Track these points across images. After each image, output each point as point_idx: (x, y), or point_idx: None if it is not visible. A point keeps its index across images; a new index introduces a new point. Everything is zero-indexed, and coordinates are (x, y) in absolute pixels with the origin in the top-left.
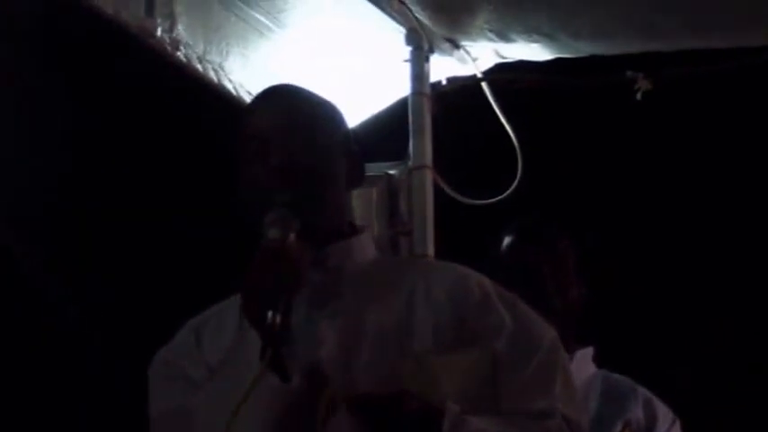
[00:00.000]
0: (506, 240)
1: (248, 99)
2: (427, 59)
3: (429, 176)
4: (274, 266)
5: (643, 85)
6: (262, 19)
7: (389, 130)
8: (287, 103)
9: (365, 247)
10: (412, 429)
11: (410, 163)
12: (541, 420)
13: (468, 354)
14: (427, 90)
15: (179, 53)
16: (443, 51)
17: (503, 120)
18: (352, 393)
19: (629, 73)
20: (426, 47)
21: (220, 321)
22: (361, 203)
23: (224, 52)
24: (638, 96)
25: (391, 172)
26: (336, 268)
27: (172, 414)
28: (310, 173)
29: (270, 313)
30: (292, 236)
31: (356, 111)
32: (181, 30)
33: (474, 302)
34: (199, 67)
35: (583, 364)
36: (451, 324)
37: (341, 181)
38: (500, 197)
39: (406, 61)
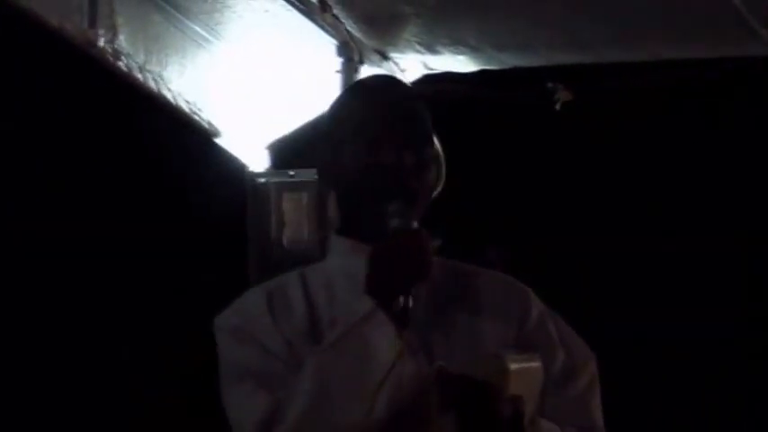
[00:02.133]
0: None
1: (186, 108)
2: (357, 70)
3: None
4: (407, 253)
5: (563, 95)
6: (200, 31)
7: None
8: (400, 97)
9: None
10: (500, 419)
11: None
12: None
13: (534, 359)
14: None
15: (120, 63)
16: (373, 63)
17: None
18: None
19: (549, 84)
20: (357, 58)
21: (286, 299)
22: (292, 207)
23: (163, 62)
24: (558, 106)
25: None
26: None
27: (257, 375)
28: (421, 171)
29: (402, 298)
30: (416, 224)
31: (289, 119)
32: (122, 40)
33: (533, 319)
34: (139, 76)
35: None
36: (512, 336)
37: (435, 179)
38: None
39: (337, 72)
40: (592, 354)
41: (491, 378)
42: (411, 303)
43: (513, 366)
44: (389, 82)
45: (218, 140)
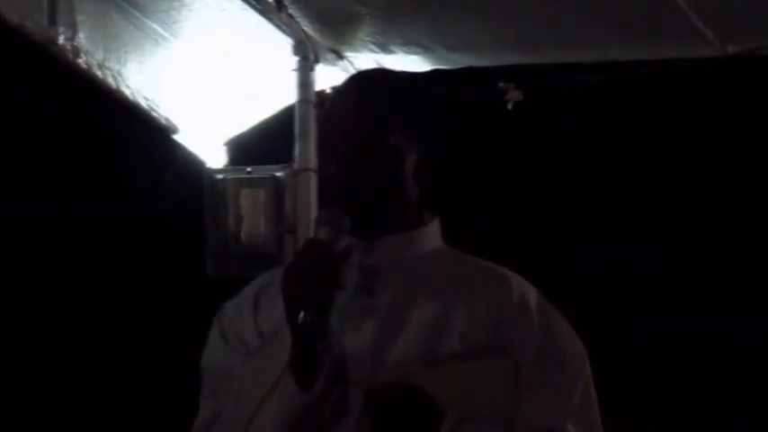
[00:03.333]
0: None
1: (144, 104)
2: (313, 69)
3: (313, 179)
4: (315, 267)
5: (514, 95)
6: (158, 28)
7: (277, 134)
8: (363, 100)
9: (420, 242)
10: (411, 427)
11: (295, 166)
12: None
13: (492, 363)
14: (313, 98)
15: (80, 60)
16: (328, 61)
17: None
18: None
19: (500, 84)
20: (312, 57)
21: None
22: (249, 203)
23: (122, 60)
24: (509, 106)
25: (278, 174)
26: (383, 264)
27: (222, 372)
28: (375, 175)
29: (302, 314)
30: (340, 237)
31: (245, 116)
32: (82, 38)
33: (511, 310)
34: (98, 73)
35: None
36: (485, 329)
37: (408, 178)
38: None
39: (293, 70)
40: (582, 354)
41: (429, 387)
42: (310, 319)
43: (458, 373)
44: (366, 81)
45: (175, 137)
